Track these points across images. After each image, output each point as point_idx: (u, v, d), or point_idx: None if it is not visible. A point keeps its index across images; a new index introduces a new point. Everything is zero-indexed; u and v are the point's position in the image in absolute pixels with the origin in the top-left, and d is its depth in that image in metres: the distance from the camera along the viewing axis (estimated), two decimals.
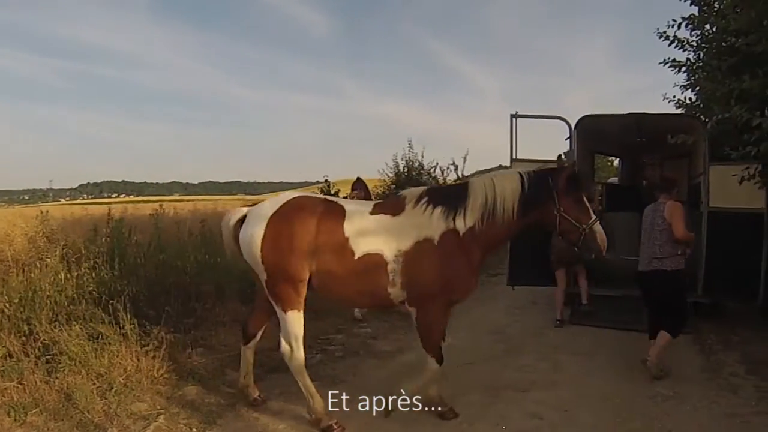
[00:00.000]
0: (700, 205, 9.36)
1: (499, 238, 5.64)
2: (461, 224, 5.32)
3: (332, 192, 13.12)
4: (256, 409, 5.88)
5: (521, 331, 9.12)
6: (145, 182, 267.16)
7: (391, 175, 17.74)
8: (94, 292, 7.09)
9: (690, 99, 10.36)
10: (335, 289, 5.49)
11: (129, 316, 6.66)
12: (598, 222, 5.44)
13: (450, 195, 5.55)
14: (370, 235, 5.34)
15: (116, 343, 6.41)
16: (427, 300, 5.40)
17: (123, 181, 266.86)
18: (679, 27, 7.63)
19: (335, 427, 5.36)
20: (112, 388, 5.90)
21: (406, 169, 17.75)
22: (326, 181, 14.12)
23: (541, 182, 5.38)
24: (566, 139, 10.17)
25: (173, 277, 8.56)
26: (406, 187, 16.40)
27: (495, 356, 7.69)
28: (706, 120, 9.60)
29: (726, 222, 8.82)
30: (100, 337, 6.45)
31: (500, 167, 11.09)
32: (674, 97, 10.77)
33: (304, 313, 5.48)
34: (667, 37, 8.01)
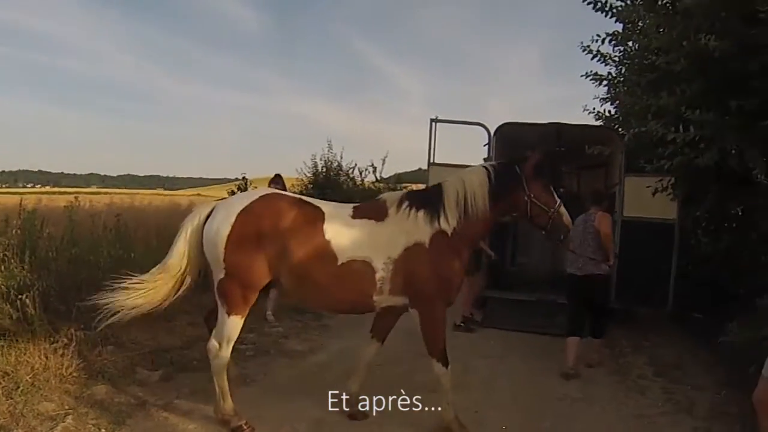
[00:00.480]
0: (614, 214, 9.63)
1: (480, 232, 5.67)
2: (446, 225, 5.29)
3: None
4: (165, 408, 5.75)
5: None
6: (62, 173, 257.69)
7: (309, 174, 17.66)
8: (2, 287, 6.77)
9: (609, 112, 10.72)
10: (312, 294, 5.36)
11: (38, 312, 6.46)
12: (562, 205, 5.55)
13: (429, 198, 5.49)
14: (356, 241, 5.19)
15: (24, 340, 6.21)
16: (429, 301, 5.33)
17: (39, 170, 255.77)
18: (602, 42, 7.87)
19: (245, 427, 5.28)
20: (18, 387, 5.63)
21: (324, 169, 17.68)
22: (244, 178, 13.95)
23: (509, 172, 5.46)
24: (485, 146, 10.38)
25: (86, 272, 8.19)
26: (324, 187, 16.56)
27: (406, 358, 7.58)
28: (624, 133, 10.00)
29: (639, 231, 9.20)
30: (6, 334, 6.24)
31: (419, 170, 11.25)
32: (594, 109, 11.12)
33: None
34: (590, 51, 8.26)
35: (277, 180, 9.34)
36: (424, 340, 5.48)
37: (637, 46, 8.08)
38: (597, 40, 7.94)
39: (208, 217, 5.29)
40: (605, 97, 9.67)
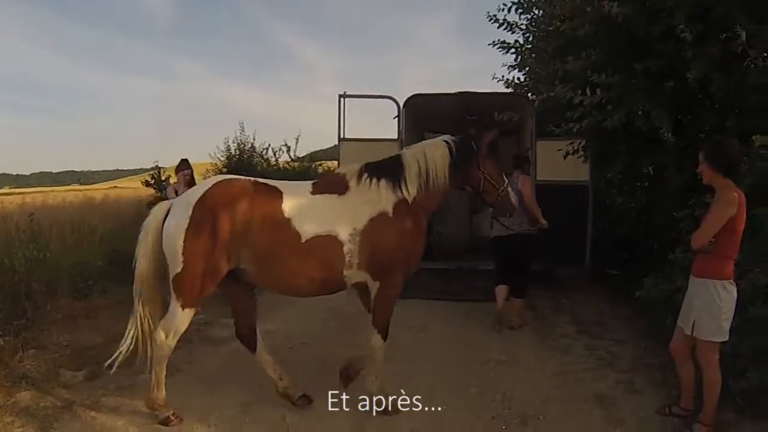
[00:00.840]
0: None
1: (437, 203, 5.63)
2: (407, 194, 5.29)
3: (162, 179, 12.67)
4: (93, 407, 5.59)
5: (356, 310, 9.02)
6: None
7: (222, 158, 17.38)
8: None
9: (518, 79, 10.88)
10: (280, 277, 5.20)
11: None
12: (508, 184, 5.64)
13: (388, 168, 5.43)
14: (319, 216, 5.10)
15: None
16: (392, 272, 5.33)
17: None
18: (509, 11, 7.98)
19: (172, 418, 5.22)
20: None
21: (237, 152, 17.43)
22: (156, 167, 13.63)
23: (466, 148, 5.48)
24: (394, 118, 10.40)
25: (0, 276, 8.04)
26: (238, 170, 16.34)
27: (329, 335, 7.76)
28: (534, 99, 10.19)
29: (554, 194, 9.40)
30: None
31: (334, 147, 11.20)
32: (503, 76, 11.27)
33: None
34: (496, 20, 8.35)
35: (184, 165, 9.01)
36: (372, 310, 5.50)
37: (542, 13, 8.21)
38: (503, 9, 8.04)
39: (166, 215, 5.11)
40: (513, 64, 9.81)
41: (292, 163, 19.66)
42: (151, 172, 14.67)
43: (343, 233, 5.11)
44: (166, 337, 5.08)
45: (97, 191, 32.00)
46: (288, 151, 19.51)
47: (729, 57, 5.99)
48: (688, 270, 5.93)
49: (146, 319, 5.27)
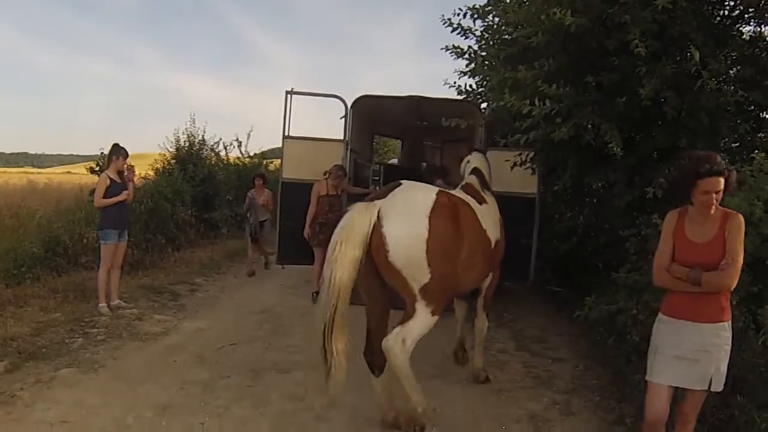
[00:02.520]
0: None
1: None
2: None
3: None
4: (7, 402, 5.27)
5: (290, 311, 9.06)
6: None
7: (171, 150, 16.97)
8: None
9: (471, 86, 10.71)
10: (471, 281, 5.69)
11: None
12: None
13: (483, 180, 6.64)
14: (490, 224, 5.83)
15: None
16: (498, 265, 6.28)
17: None
18: (464, 16, 7.81)
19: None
20: None
21: (187, 144, 17.02)
22: (102, 154, 13.11)
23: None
24: (341, 118, 10.17)
25: None
26: (186, 162, 16.00)
27: (259, 337, 7.61)
28: (484, 107, 10.04)
29: (501, 205, 9.24)
30: None
31: None
32: (455, 83, 11.10)
33: None
34: (450, 24, 8.17)
35: (119, 151, 8.47)
36: (484, 298, 6.45)
37: (497, 20, 8.05)
38: (459, 14, 7.87)
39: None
40: (465, 71, 9.62)
41: (242, 159, 19.40)
42: (97, 159, 14.35)
43: (495, 237, 5.88)
44: (404, 343, 4.90)
45: (49, 175, 31.43)
46: (239, 146, 19.27)
47: (683, 77, 5.90)
48: (631, 290, 5.83)
49: (338, 332, 5.00)
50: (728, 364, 4.66)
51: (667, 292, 4.16)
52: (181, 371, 6.21)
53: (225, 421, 5.21)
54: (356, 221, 4.84)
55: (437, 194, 5.08)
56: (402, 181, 5.20)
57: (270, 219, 12.13)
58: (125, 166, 8.41)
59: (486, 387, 6.21)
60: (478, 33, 8.34)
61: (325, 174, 9.41)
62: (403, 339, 4.85)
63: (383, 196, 4.97)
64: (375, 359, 5.28)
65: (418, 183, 5.43)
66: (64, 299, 8.47)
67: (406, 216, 4.86)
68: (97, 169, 12.89)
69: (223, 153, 18.75)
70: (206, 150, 17.73)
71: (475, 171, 6.59)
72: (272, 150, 21.37)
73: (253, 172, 18.22)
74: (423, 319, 4.91)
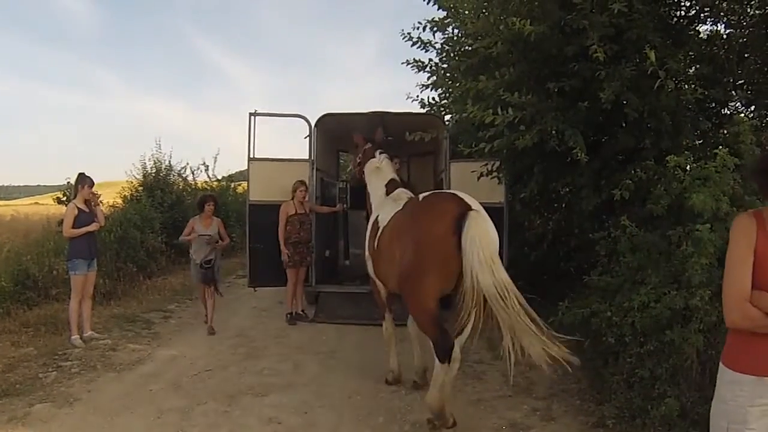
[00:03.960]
0: None
1: None
2: None
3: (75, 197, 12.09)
4: None
5: (264, 333, 9.04)
6: None
7: (138, 176, 16.81)
8: None
9: (433, 99, 10.76)
10: None
11: None
12: None
13: None
14: None
15: None
16: None
17: None
18: (424, 29, 7.84)
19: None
20: None
21: (154, 170, 16.87)
22: (68, 183, 12.94)
23: None
24: (305, 138, 10.17)
25: None
26: (154, 188, 15.86)
27: (234, 361, 7.56)
28: (448, 119, 10.09)
29: None
30: None
31: None
32: (417, 96, 11.13)
33: None
34: (410, 39, 8.21)
35: (84, 180, 8.35)
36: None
37: (457, 32, 8.11)
38: (418, 28, 7.91)
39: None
40: (427, 84, 9.68)
41: (210, 183, 19.24)
42: (63, 189, 14.18)
43: None
44: None
45: (16, 207, 31.15)
46: (206, 170, 19.15)
47: (643, 78, 5.97)
48: (603, 292, 5.87)
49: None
50: (704, 358, 4.74)
51: (740, 336, 2.86)
52: (158, 400, 6.13)
53: None
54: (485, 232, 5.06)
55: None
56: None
57: (217, 257, 9.31)
58: (90, 194, 8.31)
59: (465, 398, 6.20)
60: (438, 46, 8.40)
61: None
62: None
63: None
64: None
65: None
66: (36, 333, 8.35)
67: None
68: (64, 199, 12.72)
69: (190, 177, 18.61)
70: (173, 175, 17.61)
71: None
72: (240, 172, 21.35)
73: (221, 196, 18.05)
74: None
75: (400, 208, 6.09)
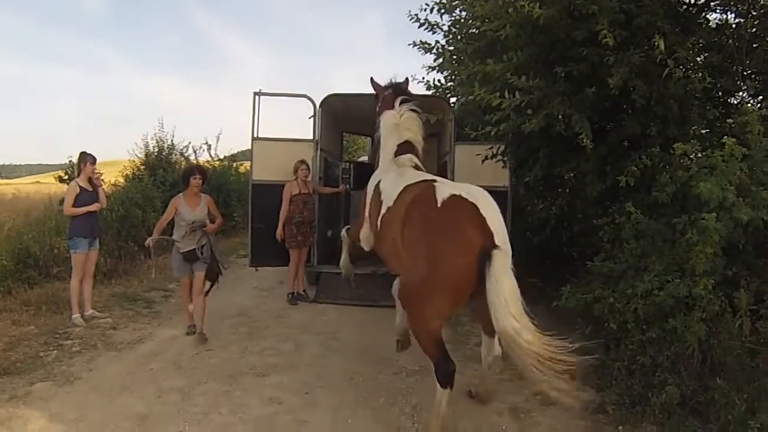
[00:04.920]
0: None
1: None
2: None
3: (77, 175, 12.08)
4: None
5: (265, 313, 9.03)
6: None
7: (141, 155, 16.79)
8: None
9: (439, 81, 10.72)
10: None
11: None
12: None
13: None
14: None
15: None
16: None
17: None
18: (431, 11, 7.81)
19: None
20: None
21: (156, 150, 16.85)
22: (71, 162, 12.95)
23: None
24: (310, 118, 10.13)
25: None
26: (156, 167, 15.84)
27: (236, 341, 7.55)
28: (453, 101, 10.06)
29: None
30: None
31: None
32: (423, 78, 11.11)
33: None
34: (417, 20, 8.17)
35: (86, 158, 8.31)
36: None
37: (464, 14, 8.06)
38: (425, 9, 7.87)
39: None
40: (433, 65, 9.64)
41: (212, 162, 19.19)
42: (65, 168, 14.14)
43: None
44: None
45: (18, 185, 31.02)
46: (209, 149, 19.09)
47: (651, 65, 5.95)
48: (606, 278, 5.88)
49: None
50: (705, 347, 4.79)
51: None
52: (158, 379, 6.14)
53: (204, 427, 5.16)
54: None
55: None
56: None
57: (212, 242, 7.88)
58: (94, 172, 8.27)
59: (464, 381, 6.11)
60: (445, 28, 8.35)
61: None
62: None
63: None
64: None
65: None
66: (37, 312, 8.31)
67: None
68: (66, 178, 12.70)
69: (192, 157, 18.50)
70: (176, 154, 17.56)
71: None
72: (243, 152, 21.19)
73: (223, 176, 17.92)
74: None
75: (405, 186, 5.57)
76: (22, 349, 6.93)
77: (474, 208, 4.88)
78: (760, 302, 5.09)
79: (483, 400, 5.65)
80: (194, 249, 7.51)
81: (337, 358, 6.97)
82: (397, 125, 6.67)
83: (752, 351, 4.84)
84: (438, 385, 4.89)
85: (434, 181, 5.47)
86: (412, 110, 6.73)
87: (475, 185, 5.29)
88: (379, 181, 6.24)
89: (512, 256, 8.93)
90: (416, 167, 6.34)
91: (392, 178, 5.99)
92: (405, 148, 6.55)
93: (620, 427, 4.98)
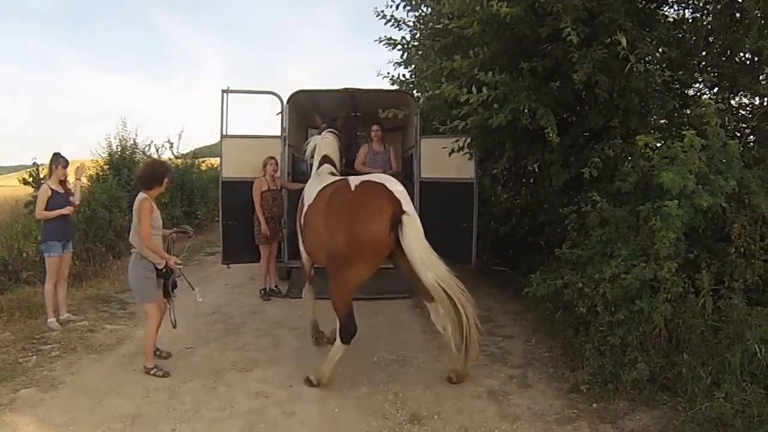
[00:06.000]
0: (413, 176, 9.95)
1: None
2: None
3: (42, 177, 11.90)
4: None
5: (240, 310, 9.07)
6: None
7: (104, 155, 16.61)
8: None
9: (404, 76, 10.88)
10: None
11: None
12: None
13: None
14: None
15: None
16: None
17: None
18: (397, 7, 7.96)
19: None
20: None
21: (119, 149, 16.68)
22: (34, 164, 12.75)
23: None
24: (277, 114, 10.24)
25: None
26: (120, 167, 15.69)
27: (214, 338, 7.58)
28: (419, 96, 10.23)
29: (438, 191, 9.48)
30: None
31: (218, 144, 10.87)
32: (388, 73, 11.24)
33: None
34: (384, 16, 8.32)
35: (58, 160, 8.25)
36: None
37: (431, 11, 8.23)
38: (391, 6, 8.02)
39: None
40: (399, 61, 9.80)
41: (175, 160, 19.01)
42: (30, 170, 13.87)
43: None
44: None
45: None
46: (171, 147, 18.92)
47: (613, 60, 6.19)
48: (574, 265, 6.16)
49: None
50: (671, 326, 5.11)
51: None
52: (143, 379, 6.15)
53: (196, 424, 5.23)
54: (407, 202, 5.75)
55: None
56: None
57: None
58: (80, 167, 8.25)
59: (443, 368, 6.37)
60: (411, 23, 8.51)
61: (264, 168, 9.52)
62: None
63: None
64: None
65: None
66: (10, 318, 8.15)
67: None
68: (31, 179, 12.45)
69: (155, 155, 18.32)
70: (139, 154, 17.35)
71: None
72: (207, 147, 21.05)
73: (186, 173, 17.77)
74: None
75: (323, 186, 6.48)
76: (0, 356, 6.81)
77: (382, 186, 5.79)
78: (720, 283, 5.42)
79: (460, 378, 6.02)
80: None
81: (316, 350, 7.08)
82: (318, 146, 7.66)
83: (715, 328, 5.18)
84: (340, 341, 5.87)
85: (348, 176, 6.37)
86: (333, 134, 7.69)
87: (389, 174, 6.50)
88: (303, 190, 7.19)
89: (477, 243, 9.25)
90: (332, 173, 7.14)
91: (312, 184, 6.90)
92: (324, 161, 7.43)
93: (594, 405, 5.26)
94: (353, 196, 5.84)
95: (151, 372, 6.26)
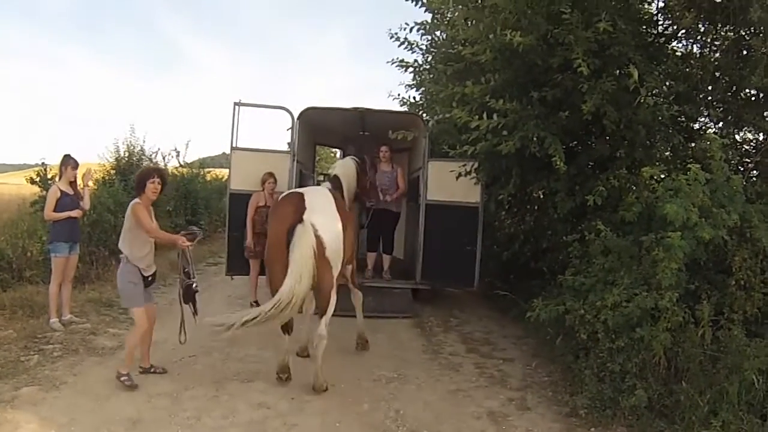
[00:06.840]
0: (419, 198, 10.02)
1: None
2: None
3: (48, 177, 11.98)
4: None
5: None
6: None
7: (111, 160, 16.68)
8: None
9: (414, 98, 11.02)
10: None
11: None
12: None
13: None
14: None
15: None
16: None
17: None
18: (411, 30, 8.08)
19: None
20: None
21: (127, 154, 16.77)
22: (43, 164, 12.82)
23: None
24: (287, 130, 10.34)
25: None
26: (127, 172, 15.75)
27: (216, 348, 7.56)
28: (428, 119, 10.35)
29: (443, 214, 9.57)
30: None
31: (223, 154, 10.95)
32: (398, 95, 11.37)
33: None
34: (398, 39, 8.46)
35: (68, 161, 8.25)
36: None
37: (444, 36, 8.35)
38: (405, 29, 8.14)
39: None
40: (411, 83, 9.96)
41: (181, 169, 19.08)
42: (38, 169, 13.90)
43: None
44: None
45: None
46: (177, 156, 18.99)
47: (622, 92, 6.32)
48: (576, 292, 6.25)
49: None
50: (670, 355, 5.21)
51: None
52: (146, 384, 6.17)
53: (198, 431, 5.29)
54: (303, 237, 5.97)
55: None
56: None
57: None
58: (88, 172, 8.33)
59: (442, 388, 6.47)
60: (423, 47, 8.64)
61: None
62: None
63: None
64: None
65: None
66: (13, 316, 8.16)
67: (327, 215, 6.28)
68: (38, 179, 12.50)
69: (161, 163, 18.39)
70: (145, 160, 17.39)
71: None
72: (212, 158, 21.13)
73: (191, 182, 17.81)
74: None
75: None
76: (2, 353, 6.84)
77: (300, 196, 6.34)
78: (720, 314, 5.53)
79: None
80: (155, 272, 6.71)
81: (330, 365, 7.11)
82: (333, 166, 8.53)
83: (713, 358, 5.28)
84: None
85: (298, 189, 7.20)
86: (354, 160, 8.01)
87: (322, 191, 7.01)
88: None
89: (480, 267, 9.32)
90: (330, 190, 7.29)
91: None
92: (330, 179, 7.84)
93: (592, 429, 5.35)
94: (277, 205, 6.72)
95: (121, 379, 6.08)
